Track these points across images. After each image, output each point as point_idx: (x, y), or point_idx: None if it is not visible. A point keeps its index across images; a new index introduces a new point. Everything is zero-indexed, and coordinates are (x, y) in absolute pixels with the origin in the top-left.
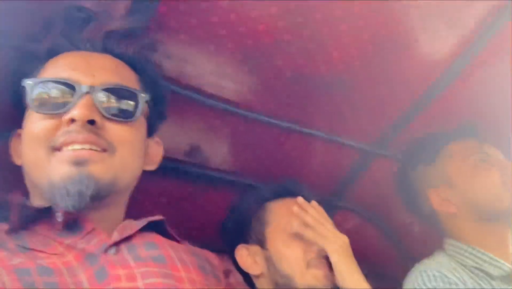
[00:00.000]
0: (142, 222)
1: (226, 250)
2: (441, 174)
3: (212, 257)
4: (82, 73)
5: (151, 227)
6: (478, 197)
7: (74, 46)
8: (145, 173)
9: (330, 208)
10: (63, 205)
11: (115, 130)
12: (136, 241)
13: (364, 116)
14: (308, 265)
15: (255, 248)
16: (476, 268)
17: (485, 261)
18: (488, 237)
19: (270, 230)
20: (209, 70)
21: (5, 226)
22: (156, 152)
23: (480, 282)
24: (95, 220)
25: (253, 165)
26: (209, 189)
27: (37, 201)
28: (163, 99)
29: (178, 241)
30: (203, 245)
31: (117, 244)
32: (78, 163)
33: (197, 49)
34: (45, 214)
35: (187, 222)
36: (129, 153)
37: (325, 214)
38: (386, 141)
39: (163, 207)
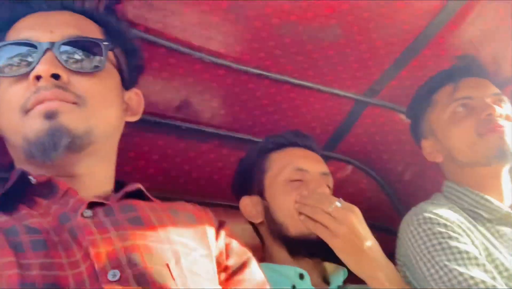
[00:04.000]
0: (119, 194)
1: (218, 203)
2: (428, 124)
3: (197, 210)
4: (41, 31)
5: (130, 195)
6: (453, 146)
7: (32, 9)
8: (136, 131)
9: (323, 159)
10: (40, 158)
11: (82, 83)
12: (112, 205)
13: (355, 65)
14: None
15: (256, 198)
16: (472, 210)
17: (479, 203)
18: (480, 180)
19: (267, 178)
20: (194, 21)
21: None
22: (137, 103)
23: (475, 222)
24: (81, 176)
25: (244, 118)
26: (201, 144)
27: (22, 166)
28: (133, 50)
29: (156, 203)
30: (197, 199)
31: (93, 207)
32: (49, 116)
33: None
34: (23, 179)
35: (180, 177)
36: (101, 104)
37: (327, 198)
38: (378, 90)
39: (156, 163)
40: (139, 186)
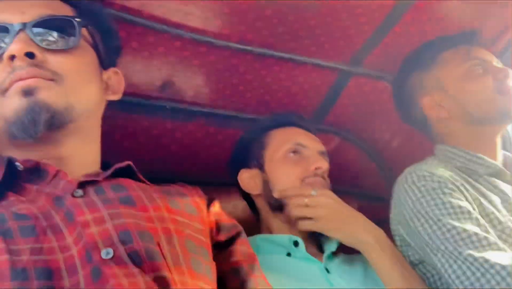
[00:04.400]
0: (109, 171)
1: (207, 181)
2: (435, 80)
3: (188, 189)
4: (12, 13)
5: (120, 174)
6: (469, 101)
7: None
8: (120, 113)
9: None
10: (20, 136)
11: (58, 61)
12: (103, 184)
13: (337, 35)
14: (302, 182)
15: (255, 171)
16: (466, 167)
17: (471, 161)
18: (478, 139)
19: (267, 152)
20: None
21: None
22: (117, 82)
23: (469, 179)
24: (67, 158)
25: (228, 94)
26: (187, 123)
27: (6, 151)
28: (108, 30)
29: (148, 184)
30: (185, 179)
31: (84, 187)
32: (27, 92)
33: None
34: (10, 166)
35: (167, 157)
36: (79, 80)
37: (299, 192)
38: (361, 59)
39: (142, 144)
40: (129, 162)
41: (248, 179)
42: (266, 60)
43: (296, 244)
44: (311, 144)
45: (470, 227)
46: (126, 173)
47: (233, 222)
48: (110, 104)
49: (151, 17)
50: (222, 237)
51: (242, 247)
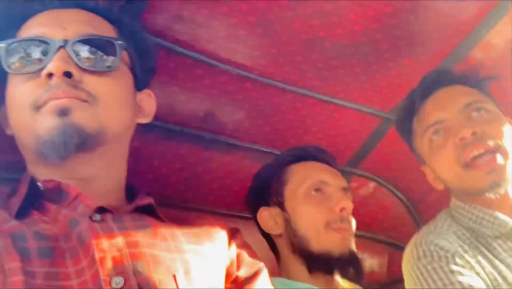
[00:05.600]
0: (130, 206)
1: (238, 214)
2: (418, 151)
3: (210, 221)
4: (54, 28)
5: (141, 209)
6: (443, 176)
7: (45, 6)
8: (160, 139)
9: (346, 175)
10: (50, 157)
11: (95, 82)
12: (123, 213)
13: (382, 83)
14: (327, 226)
15: (275, 210)
16: (477, 229)
17: (484, 219)
18: (487, 200)
19: (287, 189)
20: (222, 34)
21: (6, 189)
22: (149, 104)
23: (478, 244)
24: (91, 180)
25: (267, 131)
26: (223, 155)
27: (32, 166)
28: (146, 50)
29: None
30: (217, 210)
31: (103, 214)
32: (61, 112)
33: (209, 11)
34: (33, 184)
35: (201, 186)
36: (114, 103)
37: None
38: None
39: (178, 172)
40: (150, 200)
41: (268, 217)
42: (308, 100)
43: None
44: (334, 181)
45: None
46: (147, 209)
47: (255, 257)
48: (151, 130)
49: (201, 51)
50: (242, 273)
51: (262, 286)
